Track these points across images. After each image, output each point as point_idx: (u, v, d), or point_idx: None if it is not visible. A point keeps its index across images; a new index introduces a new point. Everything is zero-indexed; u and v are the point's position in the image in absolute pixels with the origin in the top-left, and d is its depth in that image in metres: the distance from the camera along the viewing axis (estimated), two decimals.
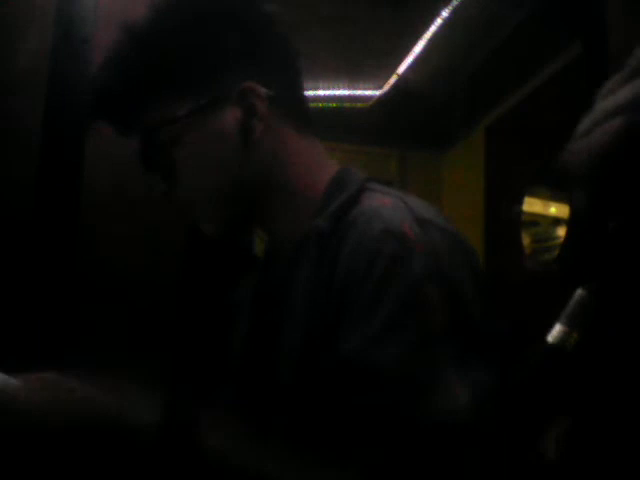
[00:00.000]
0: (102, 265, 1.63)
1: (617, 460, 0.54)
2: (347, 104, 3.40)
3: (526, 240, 0.53)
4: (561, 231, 0.49)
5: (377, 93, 3.38)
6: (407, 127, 3.54)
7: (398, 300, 0.68)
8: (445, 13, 2.70)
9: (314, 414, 0.73)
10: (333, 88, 3.34)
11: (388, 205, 0.76)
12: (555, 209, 0.51)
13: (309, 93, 0.95)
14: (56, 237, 1.60)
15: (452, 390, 0.66)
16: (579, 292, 0.50)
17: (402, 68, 3.15)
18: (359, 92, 3.40)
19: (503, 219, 2.37)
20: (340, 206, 0.79)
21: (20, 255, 1.57)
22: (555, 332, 0.50)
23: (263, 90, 0.82)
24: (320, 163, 0.88)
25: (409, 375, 0.66)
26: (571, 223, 0.48)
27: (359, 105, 3.44)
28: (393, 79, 3.25)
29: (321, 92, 3.29)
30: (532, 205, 0.52)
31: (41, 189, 1.61)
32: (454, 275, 0.72)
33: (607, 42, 1.63)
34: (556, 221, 0.50)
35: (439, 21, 2.75)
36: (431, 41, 2.88)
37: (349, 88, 3.37)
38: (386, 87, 3.32)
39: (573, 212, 0.48)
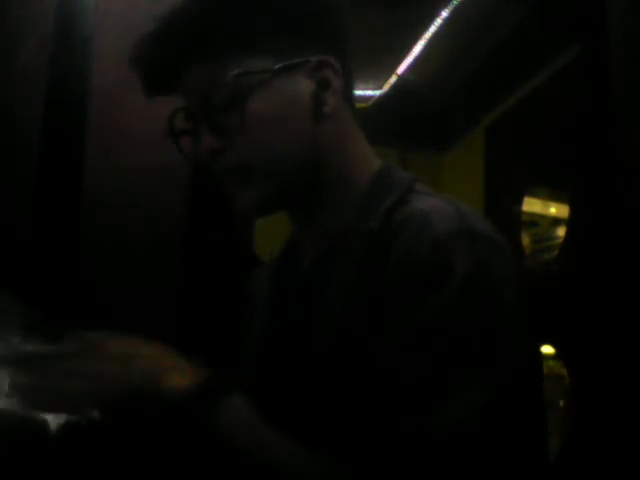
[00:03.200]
0: (102, 266, 1.63)
1: None
2: None
3: (526, 240, 0.53)
4: (561, 231, 0.49)
5: (377, 93, 3.38)
6: (407, 127, 3.54)
7: (434, 314, 0.68)
8: (445, 13, 2.70)
9: (332, 408, 0.74)
10: None
11: (439, 210, 0.75)
12: (555, 209, 0.51)
13: None
14: (56, 239, 1.60)
15: (453, 407, 0.65)
16: None
17: (402, 68, 3.15)
18: (359, 92, 3.40)
19: (503, 219, 2.37)
20: (391, 206, 0.78)
21: (20, 257, 1.57)
22: None
23: (339, 66, 0.83)
24: (366, 154, 0.88)
25: (420, 387, 0.66)
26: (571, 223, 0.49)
27: (359, 105, 3.43)
28: (393, 79, 3.24)
29: None
30: (532, 205, 0.53)
31: (41, 190, 1.61)
32: (495, 294, 0.71)
33: (607, 42, 1.63)
34: (556, 221, 0.50)
35: (439, 21, 2.75)
36: (431, 41, 2.88)
37: None
38: (386, 87, 3.32)
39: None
